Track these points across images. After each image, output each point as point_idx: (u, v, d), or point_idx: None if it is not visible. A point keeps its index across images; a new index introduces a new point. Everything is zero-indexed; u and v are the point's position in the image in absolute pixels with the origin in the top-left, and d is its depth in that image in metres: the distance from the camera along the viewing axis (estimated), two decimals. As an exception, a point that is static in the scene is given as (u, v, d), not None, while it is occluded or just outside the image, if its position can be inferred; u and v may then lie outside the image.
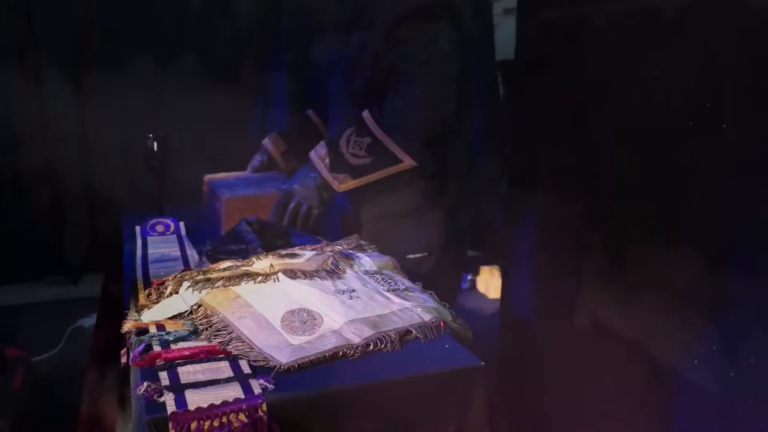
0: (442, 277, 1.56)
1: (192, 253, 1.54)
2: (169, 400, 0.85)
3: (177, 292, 1.17)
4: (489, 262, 3.40)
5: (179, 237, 1.68)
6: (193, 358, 0.97)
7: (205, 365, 0.95)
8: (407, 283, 1.26)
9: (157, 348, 0.99)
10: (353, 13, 1.63)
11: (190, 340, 1.02)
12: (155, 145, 1.85)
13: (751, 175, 1.22)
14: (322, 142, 1.63)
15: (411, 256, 1.65)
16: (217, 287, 1.15)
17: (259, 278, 1.17)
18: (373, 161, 1.56)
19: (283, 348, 1.00)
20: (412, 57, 1.53)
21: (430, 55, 1.52)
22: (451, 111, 1.57)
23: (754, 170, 1.21)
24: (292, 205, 1.60)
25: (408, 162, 1.57)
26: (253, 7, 3.04)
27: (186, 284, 1.17)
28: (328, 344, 1.01)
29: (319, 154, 1.61)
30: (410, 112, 1.55)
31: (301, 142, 1.87)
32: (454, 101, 1.56)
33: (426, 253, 1.68)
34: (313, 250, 1.35)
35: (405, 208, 1.68)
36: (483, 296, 3.38)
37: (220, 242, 1.46)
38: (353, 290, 1.17)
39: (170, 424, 0.82)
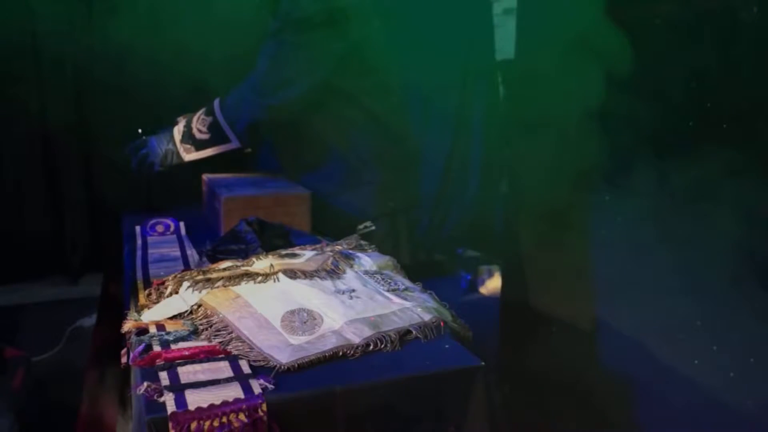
0: (396, 244, 1.84)
1: (192, 253, 1.54)
2: (169, 400, 0.85)
3: (177, 292, 1.17)
4: (489, 262, 3.39)
5: (179, 237, 1.68)
6: (193, 358, 0.97)
7: (205, 365, 0.95)
8: (407, 283, 1.26)
9: (157, 348, 0.99)
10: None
11: (190, 340, 1.03)
12: None
13: (752, 174, 1.22)
14: (182, 117, 1.92)
15: (360, 229, 1.80)
16: (217, 287, 1.15)
17: (259, 278, 1.17)
18: (211, 138, 1.86)
19: (283, 348, 0.99)
20: (263, 50, 1.80)
21: (277, 51, 1.78)
22: (288, 103, 1.80)
23: (754, 170, 1.21)
24: (143, 152, 1.89)
25: (234, 143, 1.85)
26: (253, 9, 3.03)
27: (186, 284, 1.17)
28: (328, 344, 1.01)
29: (178, 126, 1.89)
30: (242, 96, 1.83)
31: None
32: (293, 96, 1.79)
33: (372, 224, 1.83)
34: (313, 250, 1.35)
35: (335, 185, 1.87)
36: (483, 296, 3.37)
37: (220, 242, 1.46)
38: (353, 290, 1.17)
39: (170, 424, 0.82)
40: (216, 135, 1.85)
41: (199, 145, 1.87)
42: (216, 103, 1.87)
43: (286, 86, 1.79)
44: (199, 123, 1.86)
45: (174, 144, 1.87)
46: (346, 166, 1.87)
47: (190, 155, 1.87)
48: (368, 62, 1.85)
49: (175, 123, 1.91)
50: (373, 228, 1.82)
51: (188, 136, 1.86)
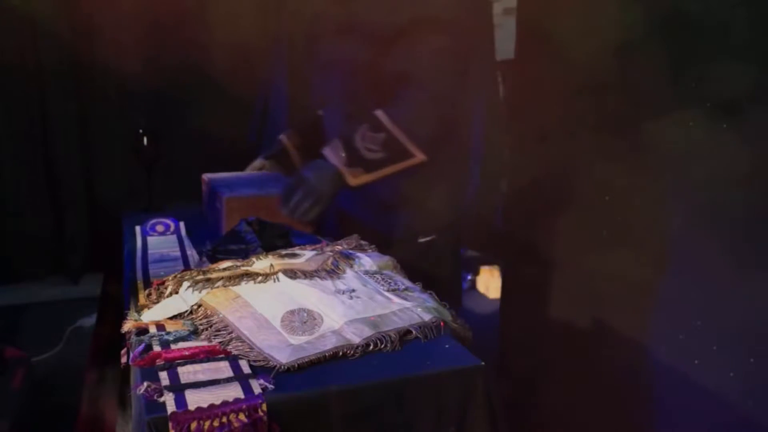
0: (448, 256, 1.82)
1: (192, 253, 1.54)
2: (169, 400, 0.85)
3: (177, 292, 1.16)
4: (489, 262, 3.39)
5: (179, 237, 1.68)
6: (193, 358, 0.97)
7: (205, 365, 0.95)
8: (407, 283, 1.26)
9: (157, 348, 0.99)
10: (354, 16, 1.71)
11: (190, 340, 1.02)
12: (145, 139, 1.90)
13: (751, 175, 1.22)
14: (336, 139, 1.69)
15: (422, 239, 1.77)
16: (217, 287, 1.15)
17: (259, 278, 1.17)
18: (387, 156, 1.65)
19: (283, 348, 0.99)
20: (424, 63, 1.64)
21: (439, 62, 1.64)
22: (454, 113, 1.72)
23: (754, 170, 1.21)
24: (299, 194, 1.63)
25: (420, 157, 1.67)
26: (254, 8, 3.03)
27: (186, 284, 1.17)
28: (328, 344, 1.01)
29: (334, 149, 1.67)
30: (421, 113, 1.66)
31: (313, 139, 1.93)
32: (456, 104, 1.72)
33: (434, 236, 1.79)
34: (313, 250, 1.35)
35: (408, 195, 1.75)
36: (483, 296, 3.38)
37: (220, 242, 1.46)
38: (353, 290, 1.17)
39: (170, 424, 0.82)
40: (394, 152, 1.66)
41: (372, 167, 1.66)
42: (385, 119, 1.66)
43: (453, 94, 1.70)
44: (367, 142, 1.65)
45: (336, 171, 1.65)
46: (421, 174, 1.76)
47: (358, 179, 1.66)
48: None
49: (320, 154, 1.70)
50: (435, 238, 1.79)
51: (354, 159, 1.65)
